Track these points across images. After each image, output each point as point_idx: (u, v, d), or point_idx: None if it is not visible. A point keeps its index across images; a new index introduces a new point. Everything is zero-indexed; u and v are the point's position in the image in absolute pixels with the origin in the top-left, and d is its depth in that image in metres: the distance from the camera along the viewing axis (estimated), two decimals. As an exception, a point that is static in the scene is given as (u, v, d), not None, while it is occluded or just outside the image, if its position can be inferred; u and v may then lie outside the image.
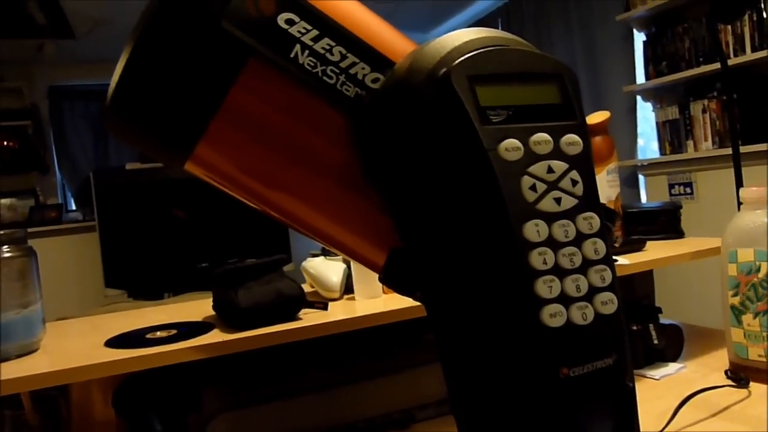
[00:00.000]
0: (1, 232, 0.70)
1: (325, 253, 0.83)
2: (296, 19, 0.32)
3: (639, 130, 3.38)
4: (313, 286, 0.83)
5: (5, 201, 4.64)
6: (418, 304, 0.35)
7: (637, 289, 1.10)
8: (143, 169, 3.30)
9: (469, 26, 4.87)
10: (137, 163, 3.39)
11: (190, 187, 3.06)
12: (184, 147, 0.33)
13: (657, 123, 3.12)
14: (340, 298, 0.79)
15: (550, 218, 0.29)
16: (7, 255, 0.61)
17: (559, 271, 0.28)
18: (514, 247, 0.28)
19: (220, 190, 0.38)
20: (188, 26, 0.30)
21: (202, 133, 0.32)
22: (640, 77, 3.24)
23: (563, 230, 0.29)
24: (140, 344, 0.61)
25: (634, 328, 0.84)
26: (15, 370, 0.57)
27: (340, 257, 0.80)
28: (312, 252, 0.85)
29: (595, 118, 1.04)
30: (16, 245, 0.62)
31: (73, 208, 4.84)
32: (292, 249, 3.34)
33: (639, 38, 3.25)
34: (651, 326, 0.85)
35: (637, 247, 0.99)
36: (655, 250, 0.98)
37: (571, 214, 0.30)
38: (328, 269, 0.78)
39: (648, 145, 3.50)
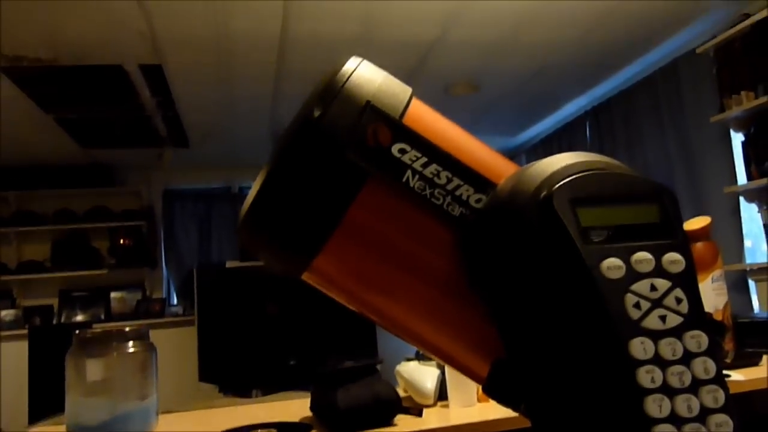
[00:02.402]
0: (127, 328, 0.77)
1: (419, 357, 0.84)
2: (408, 148, 0.36)
3: (745, 230, 3.19)
4: (406, 391, 0.83)
5: (116, 294, 5.01)
6: (516, 414, 0.35)
7: (757, 407, 1.00)
8: (241, 267, 3.48)
9: (557, 130, 4.93)
10: (236, 261, 3.59)
11: (283, 286, 3.18)
12: (306, 258, 0.37)
13: (765, 225, 2.94)
14: (434, 404, 0.79)
15: (655, 336, 0.29)
16: (131, 350, 0.67)
17: (668, 390, 0.29)
18: (621, 364, 0.28)
19: (328, 296, 0.41)
20: (317, 157, 0.35)
21: (322, 246, 0.36)
22: (741, 177, 3.11)
23: (670, 348, 0.30)
24: (243, 442, 0.64)
25: (755, 452, 0.76)
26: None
27: (434, 362, 0.81)
28: (407, 357, 0.86)
29: (695, 223, 1.01)
30: (141, 341, 0.68)
31: (175, 302, 5.12)
32: (379, 348, 3.34)
33: (736, 137, 3.15)
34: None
35: (753, 361, 0.92)
36: (774, 365, 0.91)
37: (677, 332, 0.30)
38: (422, 375, 0.78)
39: (757, 246, 3.28)
